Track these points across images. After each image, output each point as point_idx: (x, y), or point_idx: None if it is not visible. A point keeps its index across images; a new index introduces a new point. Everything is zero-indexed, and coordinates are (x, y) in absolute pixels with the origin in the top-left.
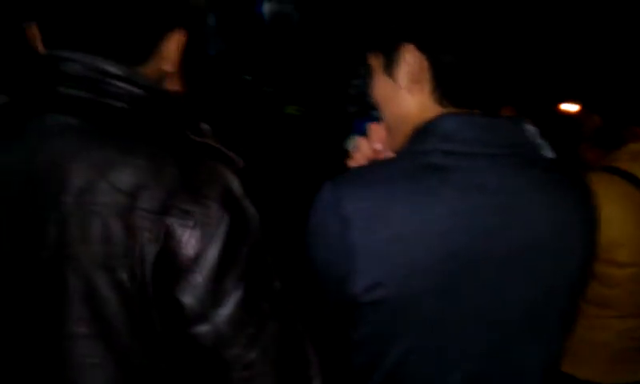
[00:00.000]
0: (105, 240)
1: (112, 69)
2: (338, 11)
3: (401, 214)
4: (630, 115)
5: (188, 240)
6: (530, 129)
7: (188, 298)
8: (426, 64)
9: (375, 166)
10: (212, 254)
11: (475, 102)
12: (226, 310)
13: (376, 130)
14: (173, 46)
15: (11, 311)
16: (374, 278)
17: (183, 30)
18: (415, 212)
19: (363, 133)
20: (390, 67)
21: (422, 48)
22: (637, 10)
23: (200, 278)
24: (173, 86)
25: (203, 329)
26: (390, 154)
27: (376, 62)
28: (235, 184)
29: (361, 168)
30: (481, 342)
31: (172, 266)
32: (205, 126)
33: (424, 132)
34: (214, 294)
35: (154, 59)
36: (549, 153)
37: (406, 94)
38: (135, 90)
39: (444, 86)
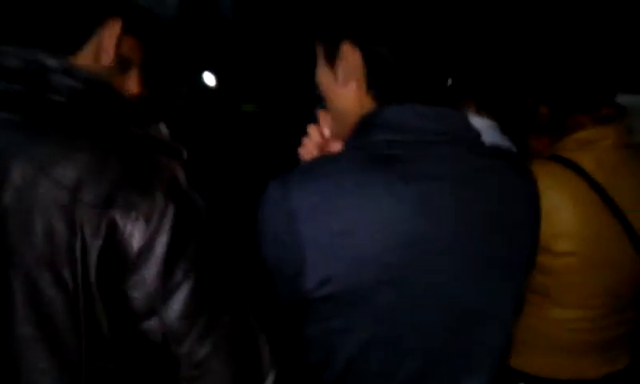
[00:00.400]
0: (47, 237)
1: (50, 62)
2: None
3: (348, 207)
4: (574, 104)
5: (132, 233)
6: (478, 120)
7: (136, 293)
8: (361, 60)
9: (321, 159)
10: (158, 246)
11: (411, 97)
12: (175, 305)
13: (325, 116)
14: (107, 34)
15: None
16: (324, 273)
17: (118, 18)
18: (362, 204)
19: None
20: (330, 60)
21: (357, 43)
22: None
23: (147, 271)
24: (132, 86)
25: (152, 324)
26: (337, 141)
27: (320, 52)
28: (180, 175)
29: (307, 163)
30: (438, 326)
31: (117, 260)
32: (152, 120)
33: (367, 123)
34: (163, 288)
35: (90, 50)
36: (495, 141)
37: (344, 88)
38: (74, 83)
39: (379, 82)
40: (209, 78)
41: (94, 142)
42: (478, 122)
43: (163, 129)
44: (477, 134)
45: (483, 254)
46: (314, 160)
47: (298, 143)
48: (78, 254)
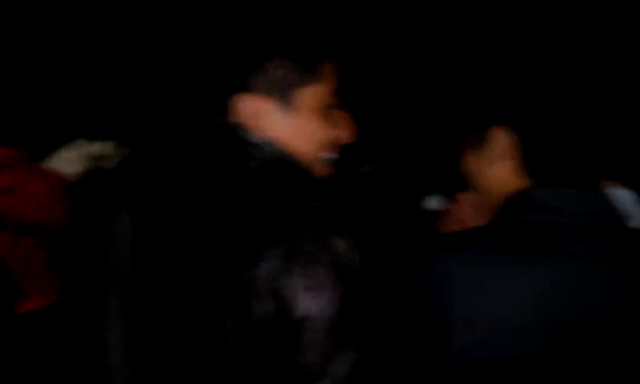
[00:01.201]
0: (222, 295)
1: (250, 137)
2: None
3: (495, 280)
4: None
5: (298, 302)
6: (621, 195)
7: (301, 357)
8: (513, 142)
9: (469, 232)
10: (322, 315)
11: (562, 177)
12: (340, 368)
13: (465, 197)
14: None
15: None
16: (463, 341)
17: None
18: (509, 279)
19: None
20: (479, 144)
21: (506, 127)
22: None
23: (310, 337)
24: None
25: None
26: (478, 222)
27: (466, 139)
28: (345, 250)
29: (456, 234)
30: None
31: (284, 325)
32: (329, 195)
33: (515, 203)
34: (328, 354)
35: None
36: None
37: (491, 169)
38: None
39: (531, 162)
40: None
41: (273, 214)
42: (624, 195)
43: (332, 202)
44: (620, 217)
45: (615, 341)
46: (462, 233)
47: (412, 199)
48: (249, 313)
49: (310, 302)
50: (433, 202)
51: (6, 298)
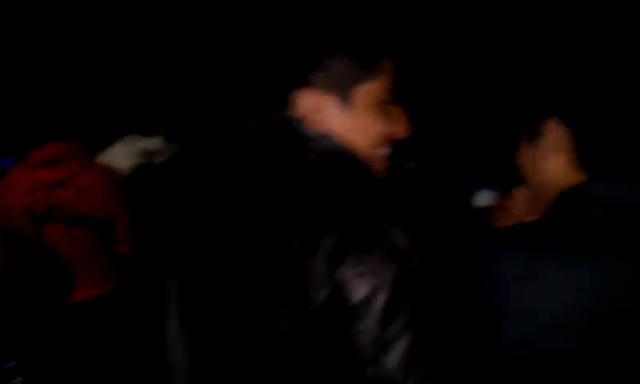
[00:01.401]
0: (285, 281)
1: (309, 131)
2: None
3: (547, 276)
4: None
5: (354, 286)
6: None
7: (356, 343)
8: (567, 135)
9: (523, 227)
10: (378, 300)
11: (615, 173)
12: (395, 355)
13: (519, 192)
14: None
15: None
16: (517, 335)
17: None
18: (562, 275)
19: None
20: (534, 138)
21: (563, 119)
22: None
23: (366, 322)
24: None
25: (369, 372)
26: (531, 216)
27: (521, 133)
28: (400, 239)
29: (509, 229)
30: None
31: (339, 313)
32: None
33: (571, 197)
34: (381, 339)
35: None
36: None
37: (546, 162)
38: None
39: (584, 156)
40: None
41: (334, 202)
42: None
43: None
44: None
45: None
46: (516, 228)
47: (461, 196)
48: (305, 300)
49: (365, 289)
50: (483, 198)
51: (60, 288)
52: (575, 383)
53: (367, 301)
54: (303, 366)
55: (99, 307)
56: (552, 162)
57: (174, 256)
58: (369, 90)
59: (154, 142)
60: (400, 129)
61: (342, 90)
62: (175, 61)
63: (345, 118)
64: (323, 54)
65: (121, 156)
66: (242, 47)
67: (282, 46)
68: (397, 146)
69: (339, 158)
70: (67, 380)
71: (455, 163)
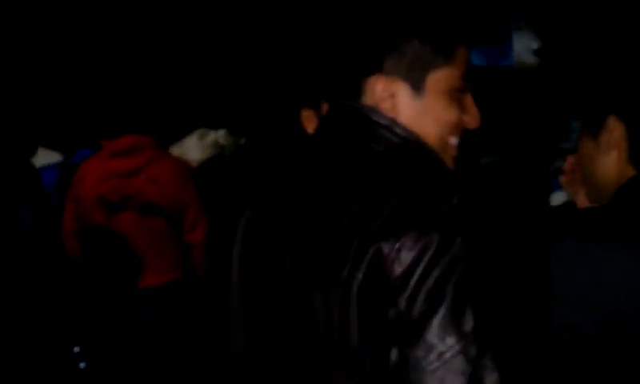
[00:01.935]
0: (328, 260)
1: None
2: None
3: (605, 264)
4: None
5: (395, 259)
6: None
7: (394, 314)
8: (625, 132)
9: (585, 216)
10: (418, 273)
11: None
12: (434, 323)
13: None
14: None
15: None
16: (566, 320)
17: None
18: (618, 264)
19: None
20: (594, 131)
21: (623, 118)
22: None
23: (406, 294)
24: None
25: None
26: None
27: (582, 127)
28: (444, 219)
29: (573, 218)
30: None
31: (381, 283)
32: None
33: (630, 190)
34: (420, 313)
35: None
36: None
37: (606, 157)
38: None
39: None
40: None
41: (381, 186)
42: None
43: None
44: None
45: None
46: (579, 217)
47: (537, 192)
48: (345, 276)
49: (404, 263)
50: (560, 198)
51: (130, 273)
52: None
53: (406, 273)
54: (350, 347)
55: (168, 294)
56: (611, 157)
57: (240, 237)
58: (442, 77)
59: (222, 135)
60: (471, 118)
61: (416, 76)
62: (235, 55)
63: (416, 105)
64: (396, 39)
65: (193, 148)
66: (311, 34)
67: (357, 30)
68: (473, 141)
69: (406, 148)
70: (132, 364)
71: (533, 160)
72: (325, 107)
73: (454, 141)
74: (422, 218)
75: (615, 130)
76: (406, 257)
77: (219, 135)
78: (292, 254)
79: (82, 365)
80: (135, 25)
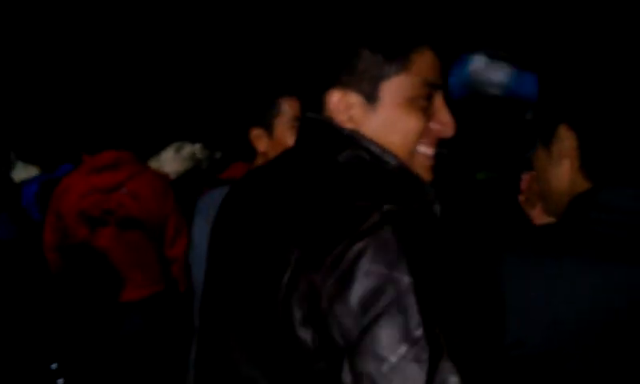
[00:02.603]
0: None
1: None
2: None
3: (550, 277)
4: None
5: (326, 284)
6: None
7: (338, 334)
8: (576, 141)
9: (537, 230)
10: (354, 287)
11: (624, 178)
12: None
13: (528, 179)
14: None
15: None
16: (518, 335)
17: None
18: (566, 277)
19: None
20: (546, 143)
21: (573, 127)
22: None
23: (347, 311)
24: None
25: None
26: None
27: (538, 136)
28: (383, 227)
29: (526, 231)
30: None
31: (314, 299)
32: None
33: (581, 202)
34: (359, 326)
35: None
36: None
37: (557, 167)
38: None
39: (592, 163)
40: None
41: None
42: None
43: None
44: None
45: None
46: (531, 231)
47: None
48: (284, 292)
49: (335, 284)
50: None
51: (110, 288)
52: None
53: (343, 288)
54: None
55: (150, 307)
56: (564, 167)
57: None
58: (397, 86)
59: (198, 149)
60: (442, 126)
61: (368, 87)
62: (205, 71)
63: (373, 115)
64: (347, 51)
65: (170, 161)
66: (271, 49)
67: (311, 47)
68: (468, 154)
69: (367, 158)
70: (113, 379)
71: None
72: (276, 127)
73: (425, 150)
74: (352, 228)
75: (566, 140)
76: (338, 271)
77: (196, 148)
78: (248, 263)
79: (60, 381)
80: (112, 43)
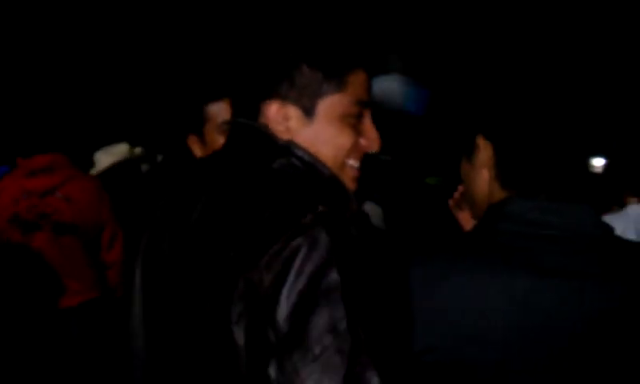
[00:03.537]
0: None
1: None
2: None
3: (457, 286)
4: None
5: (263, 281)
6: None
7: (267, 330)
8: (492, 152)
9: (452, 239)
10: (285, 284)
11: (539, 187)
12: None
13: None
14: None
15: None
16: (426, 343)
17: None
18: (472, 286)
19: None
20: (468, 153)
21: (489, 138)
22: None
23: (278, 307)
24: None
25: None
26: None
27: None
28: (311, 229)
29: (440, 241)
30: None
31: (254, 299)
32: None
33: (493, 212)
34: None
35: None
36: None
37: (477, 176)
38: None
39: (507, 173)
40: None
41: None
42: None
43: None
44: (605, 232)
45: (580, 357)
46: (446, 240)
47: None
48: (223, 295)
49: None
50: None
51: (45, 293)
52: None
53: (274, 286)
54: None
55: (86, 314)
56: (483, 177)
57: (143, 251)
58: (333, 104)
59: (134, 148)
60: (369, 143)
61: (306, 102)
62: (145, 73)
63: (309, 129)
64: (288, 66)
65: (102, 156)
66: (214, 58)
67: (251, 57)
68: (418, 160)
69: (300, 167)
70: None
71: None
72: (207, 133)
73: (352, 162)
74: (287, 228)
75: (484, 150)
76: (274, 268)
77: (129, 147)
78: (184, 268)
79: None
80: (51, 47)
